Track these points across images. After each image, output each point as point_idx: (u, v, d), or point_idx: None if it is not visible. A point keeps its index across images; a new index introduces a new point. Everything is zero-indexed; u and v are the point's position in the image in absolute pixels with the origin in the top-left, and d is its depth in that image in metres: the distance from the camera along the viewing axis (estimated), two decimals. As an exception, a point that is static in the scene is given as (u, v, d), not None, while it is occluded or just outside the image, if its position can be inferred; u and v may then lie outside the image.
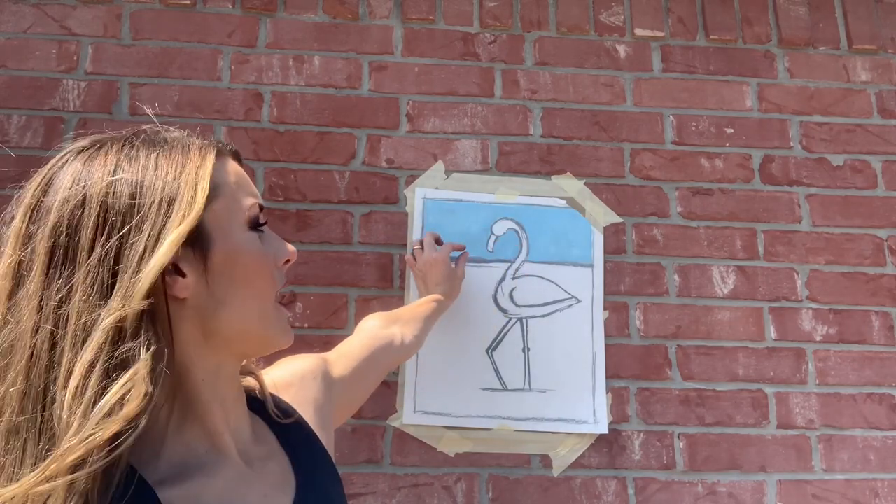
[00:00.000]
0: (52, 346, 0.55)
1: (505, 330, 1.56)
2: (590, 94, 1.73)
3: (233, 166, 0.69)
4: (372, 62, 1.69)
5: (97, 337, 0.54)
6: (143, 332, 0.56)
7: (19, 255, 0.59)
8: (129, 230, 0.58)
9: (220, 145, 0.68)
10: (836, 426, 1.56)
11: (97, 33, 1.64)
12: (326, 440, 0.81)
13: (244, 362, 0.75)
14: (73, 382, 0.53)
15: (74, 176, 0.63)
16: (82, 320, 0.55)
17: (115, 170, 0.61)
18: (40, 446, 0.52)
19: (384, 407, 1.50)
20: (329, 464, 0.77)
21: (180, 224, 0.58)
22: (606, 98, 1.73)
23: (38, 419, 0.53)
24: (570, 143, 1.69)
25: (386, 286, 1.57)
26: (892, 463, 1.54)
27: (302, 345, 1.50)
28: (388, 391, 1.51)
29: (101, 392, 0.53)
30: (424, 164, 1.64)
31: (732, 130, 1.73)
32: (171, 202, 0.59)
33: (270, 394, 0.78)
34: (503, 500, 1.47)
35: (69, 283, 0.57)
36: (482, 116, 1.68)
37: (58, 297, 0.56)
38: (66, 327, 0.55)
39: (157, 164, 0.61)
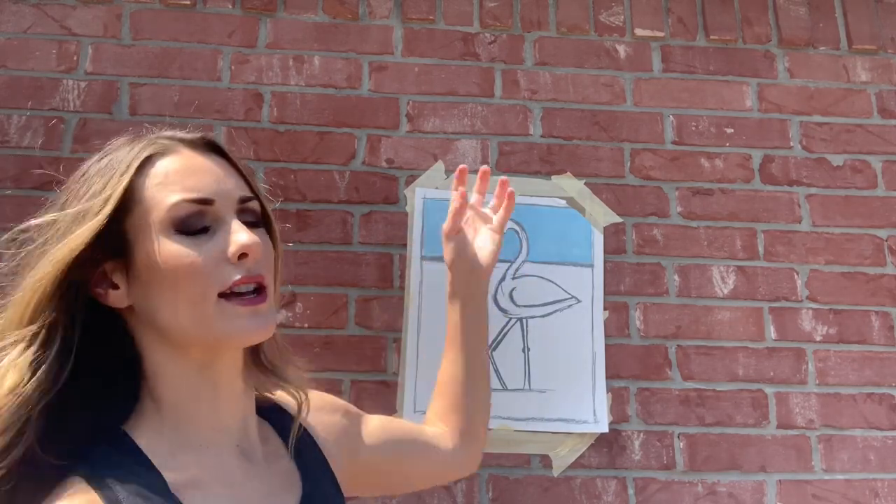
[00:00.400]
0: None
1: (505, 330, 1.56)
2: (590, 94, 1.73)
3: (176, 163, 0.66)
4: (372, 62, 1.69)
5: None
6: (37, 340, 0.60)
7: None
8: (45, 240, 0.63)
9: (162, 142, 0.67)
10: (836, 426, 1.56)
11: (97, 33, 1.64)
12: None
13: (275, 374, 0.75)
14: None
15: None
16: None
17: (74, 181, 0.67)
18: None
19: (384, 407, 1.50)
20: (335, 486, 0.77)
21: (74, 240, 0.61)
22: (606, 98, 1.73)
23: None
24: (570, 143, 1.69)
25: (386, 286, 1.57)
26: (892, 463, 1.54)
27: (302, 345, 1.51)
28: (388, 391, 1.51)
29: None
30: (424, 164, 1.64)
31: (732, 130, 1.73)
32: (80, 218, 0.62)
33: (293, 420, 0.77)
34: (503, 500, 1.47)
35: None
36: (482, 116, 1.68)
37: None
38: None
39: (88, 180, 0.65)
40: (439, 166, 1.64)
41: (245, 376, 0.72)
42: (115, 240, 0.63)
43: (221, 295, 0.64)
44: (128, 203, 0.63)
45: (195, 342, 0.65)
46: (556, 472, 1.49)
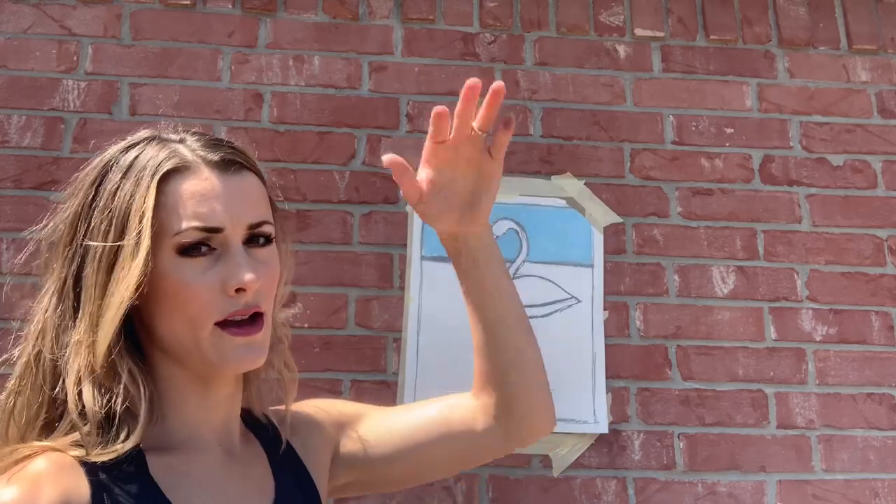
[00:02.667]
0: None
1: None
2: (590, 94, 1.72)
3: (191, 185, 0.66)
4: (372, 62, 1.69)
5: (75, 358, 0.64)
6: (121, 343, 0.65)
7: None
8: (90, 249, 0.66)
9: (184, 157, 0.67)
10: (836, 426, 1.56)
11: (97, 33, 1.64)
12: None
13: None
14: (73, 385, 0.63)
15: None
16: (55, 328, 0.67)
17: (91, 183, 0.70)
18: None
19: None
20: (313, 499, 0.77)
21: (133, 260, 0.63)
22: (606, 98, 1.73)
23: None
24: (570, 143, 1.69)
25: (386, 286, 1.57)
26: (892, 463, 1.54)
27: (302, 345, 1.51)
28: (388, 391, 1.51)
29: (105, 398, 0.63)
30: (424, 164, 1.64)
31: (732, 130, 1.73)
32: (124, 231, 0.64)
33: (275, 431, 0.78)
34: (503, 500, 1.47)
35: (46, 283, 0.70)
36: (482, 116, 1.68)
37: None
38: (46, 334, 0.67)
39: (112, 184, 0.67)
40: (439, 166, 1.64)
41: (235, 382, 0.73)
42: None
43: (218, 323, 0.65)
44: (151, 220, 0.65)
45: (188, 360, 0.67)
46: (556, 472, 1.49)
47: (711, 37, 1.78)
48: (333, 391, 1.49)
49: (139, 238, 0.62)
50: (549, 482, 1.48)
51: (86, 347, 0.63)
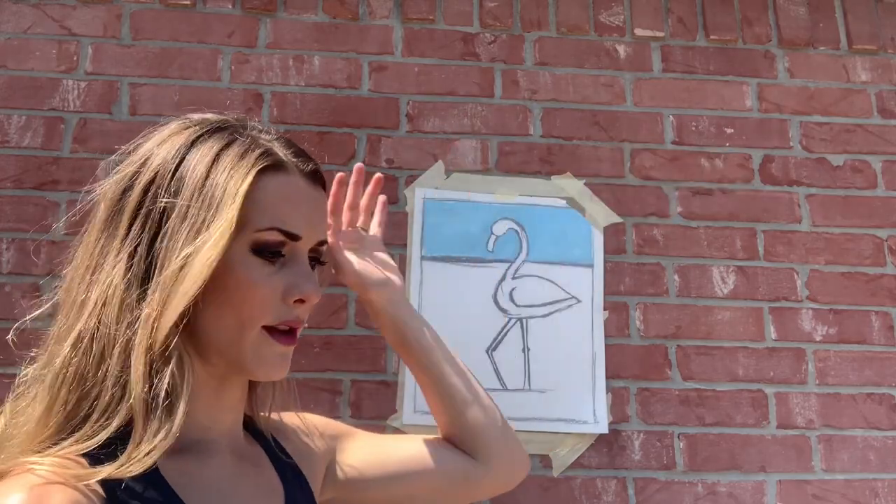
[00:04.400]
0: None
1: (505, 330, 1.56)
2: (590, 94, 1.73)
3: (283, 186, 0.65)
4: (372, 62, 1.69)
5: (144, 329, 0.59)
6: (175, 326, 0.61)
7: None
8: (171, 217, 0.62)
9: (278, 157, 0.66)
10: (836, 426, 1.56)
11: (97, 33, 1.64)
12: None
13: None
14: (139, 368, 0.59)
15: (147, 149, 0.66)
16: (124, 302, 0.61)
17: (177, 152, 0.64)
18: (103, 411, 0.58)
19: (384, 407, 1.50)
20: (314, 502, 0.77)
21: (219, 234, 0.60)
22: (606, 98, 1.73)
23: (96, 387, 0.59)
24: (570, 143, 1.69)
25: (386, 286, 1.56)
26: (892, 463, 1.54)
27: (302, 345, 1.50)
28: (388, 391, 1.51)
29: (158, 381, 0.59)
30: (424, 164, 1.64)
31: (732, 130, 1.73)
32: (213, 207, 0.61)
33: (272, 436, 0.77)
34: (503, 500, 1.47)
35: (107, 249, 0.63)
36: (482, 116, 1.68)
37: (100, 260, 0.63)
38: (108, 304, 0.60)
39: (215, 160, 0.64)
40: (439, 166, 1.64)
41: (244, 386, 0.73)
42: None
43: (265, 327, 0.65)
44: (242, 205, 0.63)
45: (218, 357, 0.65)
46: (556, 472, 1.49)
47: (711, 37, 1.78)
48: (333, 391, 1.49)
49: (229, 218, 0.61)
50: (549, 482, 1.48)
51: (152, 321, 0.59)
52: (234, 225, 0.60)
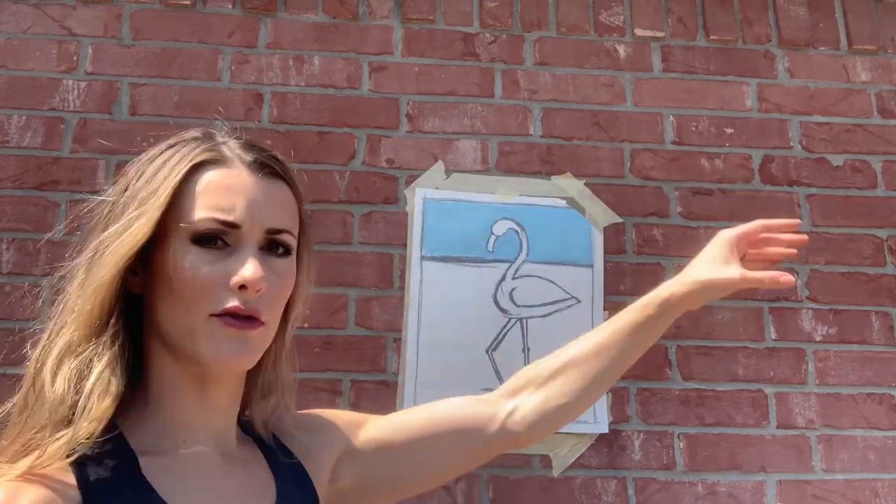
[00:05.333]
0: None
1: (505, 330, 1.56)
2: (590, 94, 1.72)
3: (220, 177, 0.67)
4: (372, 62, 1.69)
5: (68, 329, 0.63)
6: (110, 324, 0.64)
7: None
8: (109, 221, 0.66)
9: (222, 151, 0.69)
10: (836, 426, 1.56)
11: (97, 33, 1.64)
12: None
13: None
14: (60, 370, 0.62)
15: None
16: (67, 303, 0.65)
17: (140, 166, 0.69)
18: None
19: (384, 407, 1.50)
20: (314, 499, 0.75)
21: (137, 222, 0.64)
22: (606, 98, 1.73)
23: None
24: (570, 143, 1.69)
25: (386, 286, 1.57)
26: (892, 463, 1.54)
27: (302, 345, 1.51)
28: (388, 391, 1.51)
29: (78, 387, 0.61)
30: (424, 164, 1.64)
31: (732, 130, 1.73)
32: (141, 202, 0.65)
33: (273, 435, 0.76)
34: (503, 500, 1.47)
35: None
36: (482, 116, 1.68)
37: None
38: (57, 306, 0.65)
39: (152, 165, 0.68)
40: (439, 166, 1.64)
41: (236, 389, 0.72)
42: (152, 230, 0.65)
43: (213, 315, 0.64)
44: (171, 200, 0.65)
45: (181, 348, 0.66)
46: (556, 472, 1.49)
47: (711, 37, 1.78)
48: (333, 391, 1.49)
49: (150, 206, 0.64)
50: (549, 482, 1.48)
51: (72, 320, 0.63)
52: (154, 213, 0.64)
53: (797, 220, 0.93)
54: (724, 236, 0.90)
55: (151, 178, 0.66)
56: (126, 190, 0.67)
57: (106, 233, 0.65)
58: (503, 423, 0.84)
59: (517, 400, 0.86)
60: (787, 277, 0.84)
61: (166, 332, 0.66)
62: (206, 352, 0.64)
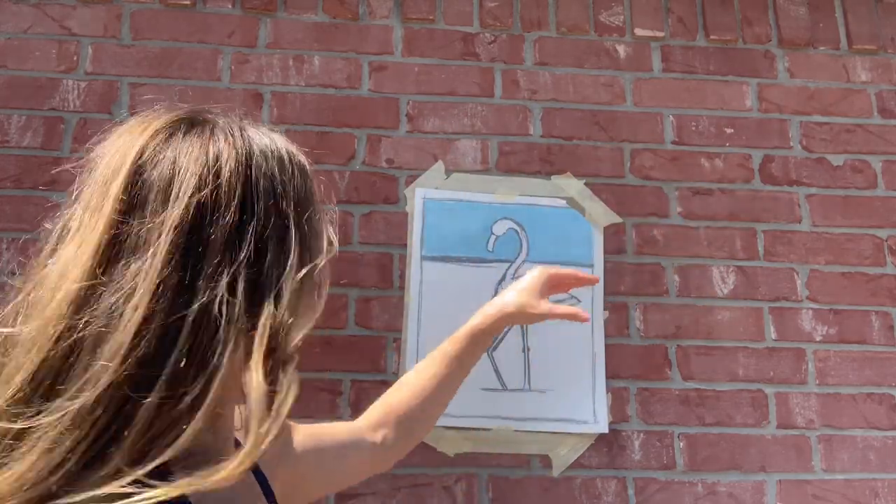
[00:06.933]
0: (166, 333, 0.53)
1: (505, 330, 1.56)
2: (590, 94, 1.73)
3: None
4: (372, 62, 1.69)
5: (260, 336, 0.56)
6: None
7: (122, 220, 0.57)
8: (282, 225, 0.60)
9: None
10: (836, 426, 1.56)
11: (97, 33, 1.64)
12: None
13: None
14: (258, 379, 0.55)
15: (200, 150, 0.61)
16: (229, 318, 0.54)
17: (250, 153, 0.62)
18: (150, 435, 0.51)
19: (384, 407, 1.50)
20: None
21: (326, 228, 0.62)
22: (606, 98, 1.73)
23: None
24: (570, 143, 1.69)
25: (386, 286, 1.57)
26: (892, 463, 1.54)
27: (302, 345, 1.50)
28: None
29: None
30: (424, 164, 1.64)
31: (732, 130, 1.73)
32: (317, 203, 0.63)
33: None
34: (503, 500, 1.47)
35: (202, 265, 0.55)
36: (482, 116, 1.68)
37: (185, 280, 0.54)
38: (201, 318, 0.54)
39: (291, 159, 0.64)
40: (439, 166, 1.64)
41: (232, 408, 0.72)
42: None
43: None
44: None
45: None
46: (556, 472, 1.49)
47: (711, 37, 1.78)
48: (333, 391, 1.49)
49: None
50: (549, 482, 1.48)
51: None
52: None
53: (597, 278, 1.11)
54: (546, 273, 1.02)
55: (304, 183, 0.65)
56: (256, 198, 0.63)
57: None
58: (372, 453, 0.96)
59: (382, 433, 0.97)
60: (585, 314, 0.99)
61: None
62: None
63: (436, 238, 1.59)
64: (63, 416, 0.48)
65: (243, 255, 0.57)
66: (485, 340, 0.99)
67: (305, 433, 0.90)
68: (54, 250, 0.61)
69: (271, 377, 0.56)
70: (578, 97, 1.72)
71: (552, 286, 1.03)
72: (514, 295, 0.99)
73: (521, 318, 0.99)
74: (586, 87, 1.73)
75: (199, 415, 0.51)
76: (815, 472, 1.53)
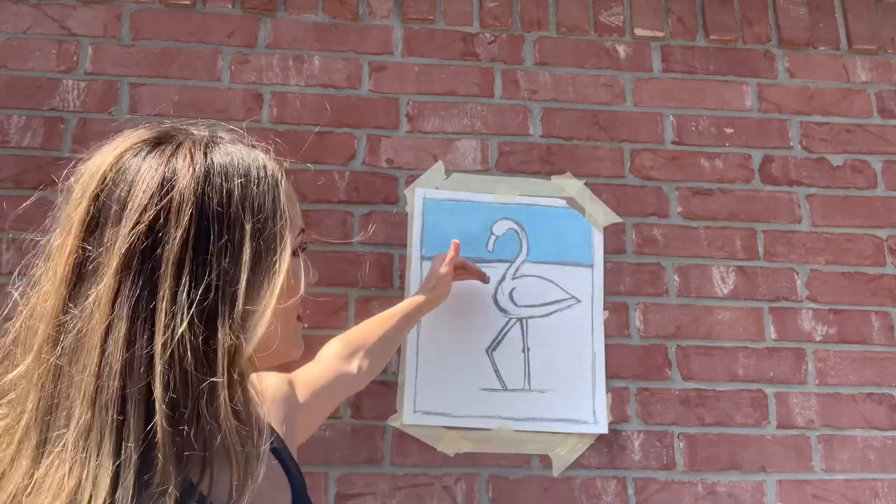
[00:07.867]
0: (129, 348, 0.54)
1: (505, 330, 1.56)
2: (590, 94, 1.72)
3: (289, 189, 0.69)
4: (372, 62, 1.69)
5: (220, 358, 0.56)
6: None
7: (83, 246, 0.57)
8: (235, 242, 0.59)
9: (284, 164, 0.71)
10: (836, 426, 1.56)
11: (97, 33, 1.64)
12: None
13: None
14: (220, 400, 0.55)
15: (156, 171, 0.59)
16: (184, 335, 0.54)
17: (208, 171, 0.60)
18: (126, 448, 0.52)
19: (384, 407, 1.50)
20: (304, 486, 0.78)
21: (286, 244, 0.62)
22: (606, 98, 1.73)
23: (115, 420, 0.52)
24: (570, 143, 1.69)
25: (386, 286, 1.57)
26: (892, 463, 1.54)
27: (302, 345, 1.50)
28: (388, 391, 1.51)
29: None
30: (424, 164, 1.64)
31: (732, 130, 1.73)
32: (279, 218, 0.62)
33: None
34: (503, 500, 1.47)
35: (154, 286, 0.55)
36: (482, 116, 1.68)
37: (142, 301, 0.55)
38: (154, 335, 0.54)
39: (258, 175, 0.63)
40: (439, 166, 1.64)
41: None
42: None
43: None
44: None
45: (267, 349, 0.64)
46: (556, 472, 1.49)
47: (711, 37, 1.78)
48: (333, 391, 1.49)
49: (287, 211, 0.66)
50: (549, 482, 1.48)
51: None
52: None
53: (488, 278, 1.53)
54: (449, 254, 1.44)
55: (267, 196, 0.65)
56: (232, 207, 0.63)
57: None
58: (353, 382, 1.21)
59: (355, 362, 1.22)
60: (487, 277, 1.52)
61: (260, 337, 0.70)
62: (297, 348, 0.73)
63: (436, 238, 1.59)
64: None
65: (195, 275, 0.56)
66: (419, 309, 1.37)
67: (301, 385, 1.03)
68: (37, 282, 0.62)
69: (234, 394, 0.57)
70: (578, 97, 1.72)
71: (457, 266, 1.45)
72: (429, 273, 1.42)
73: (435, 281, 1.39)
74: (586, 87, 1.73)
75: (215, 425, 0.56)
76: (815, 472, 1.53)
